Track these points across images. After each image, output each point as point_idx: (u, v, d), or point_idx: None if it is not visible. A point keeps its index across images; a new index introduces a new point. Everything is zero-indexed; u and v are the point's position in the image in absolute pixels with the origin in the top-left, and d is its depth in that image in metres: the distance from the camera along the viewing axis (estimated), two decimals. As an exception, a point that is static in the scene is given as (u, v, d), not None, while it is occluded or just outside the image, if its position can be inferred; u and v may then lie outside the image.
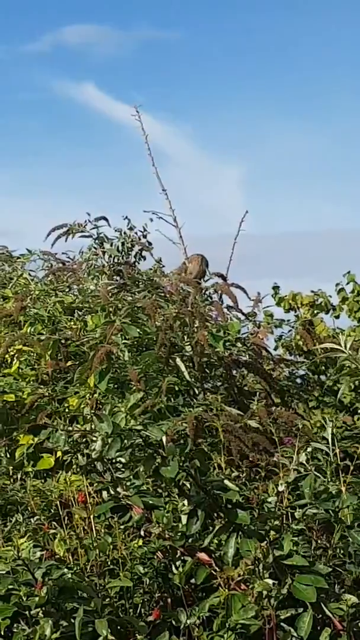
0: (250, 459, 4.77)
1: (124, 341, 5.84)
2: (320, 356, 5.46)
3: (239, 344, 6.31)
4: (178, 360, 5.94)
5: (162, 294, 6.49)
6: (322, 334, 7.00)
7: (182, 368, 5.94)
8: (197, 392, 5.94)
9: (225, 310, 6.53)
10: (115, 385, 5.83)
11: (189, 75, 19.34)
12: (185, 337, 6.05)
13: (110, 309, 6.05)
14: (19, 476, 5.51)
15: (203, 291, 6.62)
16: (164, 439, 4.35)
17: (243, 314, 6.62)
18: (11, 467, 5.67)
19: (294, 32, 18.98)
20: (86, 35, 19.84)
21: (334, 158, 19.15)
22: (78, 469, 4.72)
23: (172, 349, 5.92)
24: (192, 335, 6.00)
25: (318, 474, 4.43)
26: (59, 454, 5.43)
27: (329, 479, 4.54)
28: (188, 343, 6.06)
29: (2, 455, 5.65)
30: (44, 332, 6.16)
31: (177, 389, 5.92)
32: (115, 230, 7.10)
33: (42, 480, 5.37)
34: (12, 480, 5.57)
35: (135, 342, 6.03)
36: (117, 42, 19.87)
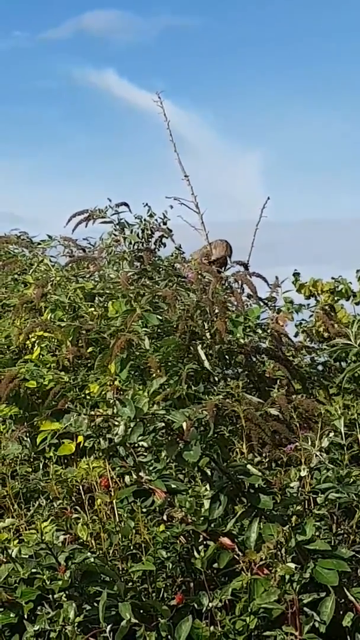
0: (269, 444, 4.79)
1: (144, 329, 5.86)
2: (338, 347, 5.46)
3: (259, 330, 6.33)
4: (198, 347, 5.96)
5: (183, 282, 6.50)
6: (343, 320, 7.00)
7: (202, 356, 5.95)
8: (217, 379, 5.95)
9: (245, 298, 6.54)
10: (136, 373, 5.86)
11: (211, 62, 19.29)
12: (205, 325, 6.07)
13: (131, 296, 6.07)
14: (40, 464, 5.53)
15: (224, 280, 6.63)
16: (184, 425, 4.36)
17: (262, 301, 6.63)
18: (32, 454, 5.70)
19: (316, 18, 18.89)
20: (107, 21, 19.80)
21: (356, 146, 19.07)
22: (100, 454, 4.74)
23: (192, 336, 5.94)
24: (212, 323, 6.02)
25: (339, 460, 4.44)
26: (79, 439, 5.44)
27: (352, 466, 4.55)
28: (208, 330, 6.07)
29: (25, 440, 5.67)
30: (65, 319, 6.17)
31: (197, 376, 5.93)
32: (136, 217, 7.08)
33: (63, 467, 5.39)
34: (32, 466, 5.59)
35: (156, 330, 6.04)
36: (138, 29, 19.84)
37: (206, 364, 5.95)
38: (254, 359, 6.22)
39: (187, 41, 19.55)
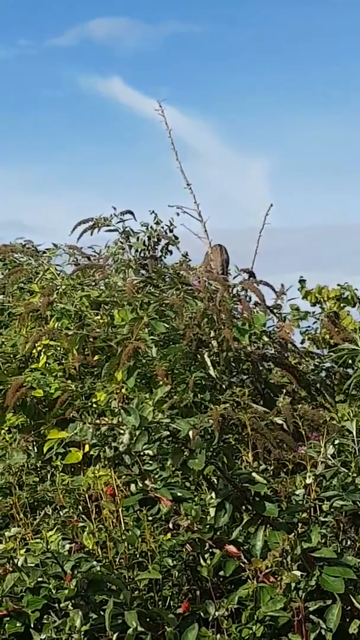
0: (274, 454, 4.79)
1: (151, 337, 5.86)
2: (344, 352, 5.45)
3: (264, 337, 6.33)
4: (205, 355, 5.96)
5: (190, 290, 6.51)
6: (349, 327, 6.99)
7: (209, 363, 5.95)
8: (224, 387, 5.95)
9: (251, 306, 6.54)
10: (143, 381, 5.86)
11: (216, 69, 19.31)
12: (212, 333, 6.07)
13: (137, 303, 6.07)
14: (47, 473, 5.54)
15: (230, 288, 6.63)
16: (190, 433, 4.36)
17: (269, 309, 6.63)
18: (39, 463, 5.71)
19: (321, 23, 18.92)
20: (112, 29, 19.87)
21: (361, 151, 19.08)
22: (106, 462, 4.75)
23: (199, 344, 5.95)
24: (218, 331, 6.02)
25: (344, 468, 4.43)
26: (86, 448, 5.45)
27: (357, 473, 4.54)
28: (214, 338, 6.07)
29: (30, 449, 5.68)
30: (71, 327, 6.18)
31: (203, 384, 5.94)
32: (142, 225, 7.09)
33: (70, 475, 5.39)
34: (39, 475, 5.60)
35: (163, 338, 6.04)
36: (144, 36, 19.88)
37: (212, 371, 5.95)
38: (260, 367, 6.22)
39: (193, 48, 19.60)
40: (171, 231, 7.39)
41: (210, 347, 6.01)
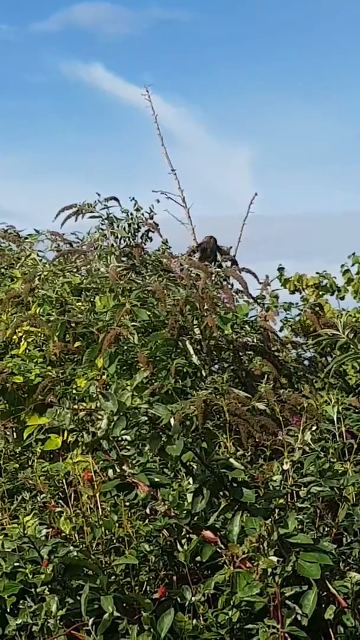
0: (257, 439, 4.79)
1: (133, 324, 5.86)
2: (323, 338, 5.44)
3: (247, 327, 6.33)
4: (187, 343, 5.96)
5: (173, 277, 6.50)
6: (328, 315, 7.00)
7: (191, 351, 5.95)
8: (204, 374, 5.95)
9: (234, 294, 6.54)
10: (124, 367, 5.86)
11: (200, 56, 19.27)
12: (195, 320, 6.07)
13: (119, 290, 6.06)
14: (27, 460, 5.53)
15: (213, 275, 6.63)
16: (171, 420, 4.36)
17: (252, 298, 6.64)
18: (18, 449, 5.70)
19: (305, 12, 18.91)
20: (96, 14, 19.75)
21: (345, 141, 19.09)
22: (84, 448, 4.74)
23: (181, 331, 5.94)
24: (201, 318, 6.02)
25: (322, 453, 4.44)
26: (66, 435, 5.44)
27: (336, 459, 4.55)
28: (197, 326, 6.07)
29: (9, 434, 5.67)
30: (52, 313, 6.17)
31: (185, 370, 5.93)
32: (122, 212, 7.08)
33: (48, 460, 5.38)
34: (19, 462, 5.59)
35: (144, 325, 6.04)
36: (128, 22, 19.81)
37: (194, 359, 5.95)
38: (242, 355, 6.22)
39: (177, 35, 19.51)
40: (151, 218, 7.36)
41: (191, 334, 6.01)
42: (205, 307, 5.97)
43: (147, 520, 4.43)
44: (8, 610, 4.11)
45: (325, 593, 4.16)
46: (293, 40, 19.35)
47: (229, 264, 6.94)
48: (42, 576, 4.08)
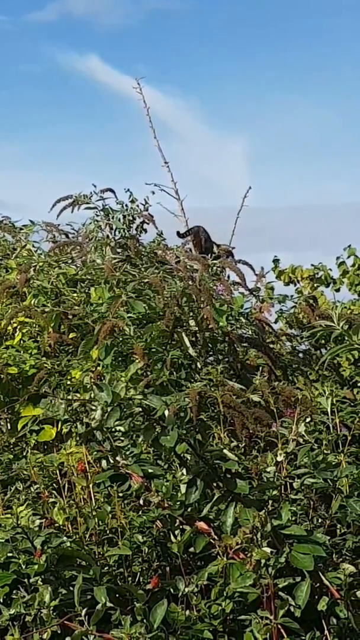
0: (251, 431, 4.79)
1: (129, 315, 5.85)
2: (318, 330, 5.44)
3: (242, 319, 6.33)
4: (183, 334, 5.96)
5: (169, 269, 6.50)
6: (323, 307, 7.00)
7: (187, 342, 5.95)
8: (200, 366, 5.95)
9: (231, 286, 6.54)
10: (120, 359, 5.85)
11: (196, 47, 19.26)
12: (190, 312, 6.07)
13: (114, 282, 6.06)
14: (21, 451, 5.52)
15: (210, 267, 6.63)
16: (166, 412, 4.35)
17: (249, 290, 6.64)
18: (12, 440, 5.70)
19: (303, 4, 18.89)
20: (92, 4, 19.69)
21: (340, 132, 19.10)
22: (78, 439, 4.74)
23: (177, 323, 5.94)
24: (197, 310, 6.02)
25: (316, 445, 4.43)
26: (60, 425, 5.44)
27: (330, 450, 4.55)
28: (192, 317, 6.07)
29: (3, 425, 5.66)
30: (47, 304, 6.16)
31: (180, 362, 5.94)
32: (117, 203, 7.08)
33: (42, 451, 5.39)
34: (13, 452, 5.59)
35: (140, 317, 6.04)
36: (124, 13, 19.78)
37: (191, 350, 5.95)
38: (237, 347, 6.22)
39: (174, 26, 19.47)
40: (146, 210, 7.36)
41: (187, 326, 6.01)
42: (202, 299, 5.96)
43: (140, 511, 4.43)
44: (1, 600, 4.10)
45: (318, 584, 4.15)
46: (289, 32, 19.33)
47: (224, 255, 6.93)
48: (36, 567, 4.07)
